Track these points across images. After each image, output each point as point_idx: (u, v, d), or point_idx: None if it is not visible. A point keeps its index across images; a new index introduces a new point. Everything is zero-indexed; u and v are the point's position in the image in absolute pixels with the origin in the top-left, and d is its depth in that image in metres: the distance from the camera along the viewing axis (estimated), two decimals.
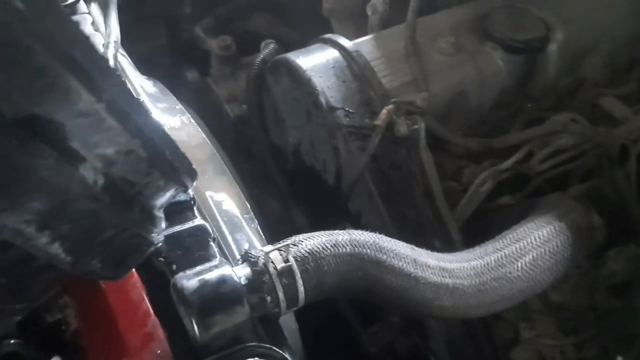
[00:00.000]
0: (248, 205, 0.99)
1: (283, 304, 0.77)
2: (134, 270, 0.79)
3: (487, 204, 1.19)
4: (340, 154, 1.13)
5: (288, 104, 1.25)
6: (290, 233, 0.84)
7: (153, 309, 0.75)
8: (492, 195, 1.19)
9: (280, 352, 0.72)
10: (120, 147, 0.51)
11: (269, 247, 0.80)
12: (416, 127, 1.09)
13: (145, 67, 1.20)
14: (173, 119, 1.10)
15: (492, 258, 0.85)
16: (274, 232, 1.02)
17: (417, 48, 1.19)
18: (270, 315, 0.78)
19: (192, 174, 0.59)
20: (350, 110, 1.12)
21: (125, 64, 1.15)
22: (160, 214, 0.60)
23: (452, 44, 1.22)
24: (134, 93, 0.53)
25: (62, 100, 0.47)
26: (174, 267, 0.77)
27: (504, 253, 0.85)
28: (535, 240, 0.86)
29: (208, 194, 0.96)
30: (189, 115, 1.12)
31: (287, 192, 1.33)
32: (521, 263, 0.84)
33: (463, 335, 1.07)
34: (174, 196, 0.59)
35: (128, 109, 0.51)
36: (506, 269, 0.84)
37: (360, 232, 0.85)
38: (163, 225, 0.61)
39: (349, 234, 0.84)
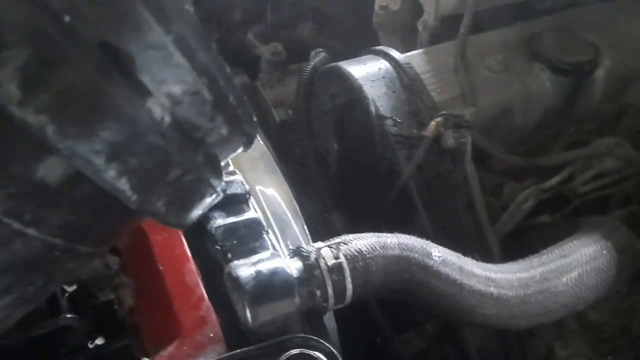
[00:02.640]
0: (296, 205, 1.02)
1: (331, 300, 0.80)
2: (190, 255, 0.82)
3: (525, 222, 1.20)
4: (386, 162, 1.15)
5: (337, 110, 1.28)
6: (328, 236, 0.86)
7: (207, 294, 0.78)
8: (530, 213, 1.20)
9: (328, 345, 0.74)
10: (186, 87, 0.50)
11: (321, 244, 0.82)
12: (463, 140, 1.11)
13: None
14: None
15: (538, 271, 0.86)
16: (311, 234, 1.05)
17: (466, 63, 1.22)
18: (318, 309, 0.81)
19: (254, 126, 0.58)
20: (399, 120, 1.15)
21: None
22: (222, 166, 0.60)
23: (501, 61, 1.24)
24: (201, 29, 0.52)
25: (133, 30, 0.47)
26: (229, 255, 0.80)
27: (550, 267, 0.87)
28: (582, 257, 0.87)
29: (259, 189, 1.00)
30: None
31: (328, 197, 1.35)
32: (567, 278, 0.85)
33: (497, 349, 1.08)
34: (235, 150, 0.59)
35: (196, 46, 0.50)
36: (551, 283, 0.85)
37: (408, 236, 0.87)
38: (224, 180, 0.62)
39: (398, 237, 0.86)
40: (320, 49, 1.44)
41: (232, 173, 0.92)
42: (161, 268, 0.79)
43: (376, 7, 1.52)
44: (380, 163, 1.17)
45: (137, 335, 0.79)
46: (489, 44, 1.30)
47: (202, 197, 0.56)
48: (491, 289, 0.84)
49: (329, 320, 0.97)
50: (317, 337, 0.75)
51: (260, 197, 0.99)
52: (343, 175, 1.33)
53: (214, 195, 0.61)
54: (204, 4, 1.71)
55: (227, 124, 0.54)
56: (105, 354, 0.81)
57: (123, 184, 0.49)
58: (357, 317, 1.20)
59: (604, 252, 0.89)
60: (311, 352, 0.72)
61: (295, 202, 1.03)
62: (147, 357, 0.74)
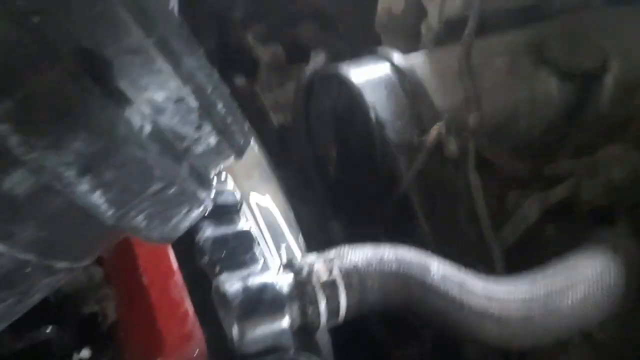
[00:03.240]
0: (292, 214, 0.98)
1: (323, 317, 0.76)
2: (176, 268, 0.79)
3: (530, 232, 1.16)
4: (386, 170, 1.11)
5: (336, 115, 1.24)
6: (326, 244, 0.82)
7: (193, 309, 0.75)
8: (535, 222, 1.16)
9: None
10: (170, 93, 0.47)
11: (314, 257, 0.79)
12: (466, 147, 1.07)
13: None
14: None
15: (542, 291, 0.82)
16: (308, 242, 1.01)
17: (471, 67, 1.18)
18: (309, 327, 0.77)
19: (246, 135, 0.54)
20: (400, 126, 1.11)
21: None
22: (211, 177, 0.56)
23: (507, 65, 1.20)
24: (187, 33, 0.48)
25: (111, 32, 0.44)
26: (218, 268, 0.76)
27: (555, 287, 0.82)
28: (588, 273, 0.83)
29: (253, 198, 0.96)
30: None
31: (327, 204, 1.32)
32: (572, 299, 0.81)
33: None
34: (225, 160, 0.55)
35: (180, 50, 0.46)
36: (556, 305, 0.81)
37: (406, 248, 0.83)
38: (213, 192, 0.59)
39: (395, 250, 0.82)
40: (321, 50, 1.40)
41: (224, 182, 0.88)
42: (145, 281, 0.76)
43: (379, 9, 1.48)
44: (380, 170, 1.13)
45: (120, 349, 0.76)
46: (494, 47, 1.26)
47: (188, 210, 0.52)
48: (492, 309, 0.80)
49: (322, 334, 0.93)
50: (308, 354, 0.71)
51: (254, 207, 0.96)
52: (342, 183, 1.30)
53: (201, 208, 0.57)
54: (204, 4, 1.67)
55: (216, 133, 0.50)
56: None
57: (97, 199, 0.46)
58: (354, 327, 1.16)
59: (612, 268, 0.85)
60: None
61: (291, 211, 1.00)
62: None
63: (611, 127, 1.29)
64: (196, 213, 0.56)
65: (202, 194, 0.54)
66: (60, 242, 0.52)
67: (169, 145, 0.49)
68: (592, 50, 1.25)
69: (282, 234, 0.93)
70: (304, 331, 0.78)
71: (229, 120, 0.51)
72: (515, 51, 1.25)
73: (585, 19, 1.35)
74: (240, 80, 1.54)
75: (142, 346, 0.73)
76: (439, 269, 0.81)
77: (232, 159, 0.59)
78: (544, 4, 1.35)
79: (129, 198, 0.47)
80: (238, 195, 0.86)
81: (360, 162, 1.19)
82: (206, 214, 0.82)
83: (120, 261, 0.80)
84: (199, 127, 0.49)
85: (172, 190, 0.49)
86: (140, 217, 0.48)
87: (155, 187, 0.47)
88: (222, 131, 0.51)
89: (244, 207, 0.90)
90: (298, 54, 1.58)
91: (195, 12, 1.69)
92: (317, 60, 1.35)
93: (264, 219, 0.93)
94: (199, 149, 0.50)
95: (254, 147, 1.05)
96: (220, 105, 0.50)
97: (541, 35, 1.28)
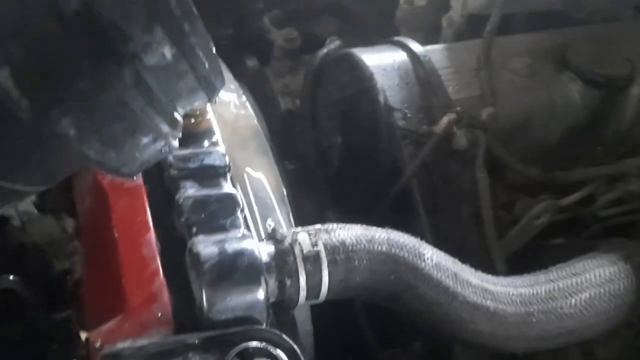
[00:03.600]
0: (284, 189, 0.93)
1: (303, 293, 0.70)
2: (151, 225, 0.73)
3: (538, 242, 1.09)
4: (390, 159, 1.05)
5: (344, 100, 1.19)
6: None
7: (164, 271, 0.69)
8: (544, 234, 1.09)
9: (290, 342, 0.64)
10: None
11: (299, 229, 0.73)
12: (476, 142, 1.01)
13: None
14: (224, 93, 1.05)
15: (543, 288, 0.75)
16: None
17: (490, 62, 1.12)
18: (286, 302, 0.71)
19: (218, 76, 0.48)
20: (409, 114, 1.05)
21: None
22: (176, 112, 0.50)
23: (528, 65, 1.14)
24: None
25: None
26: (194, 229, 0.71)
27: (558, 285, 0.76)
28: (595, 278, 0.76)
29: (245, 169, 0.91)
30: (241, 93, 1.07)
31: (326, 193, 1.26)
32: (575, 299, 0.74)
33: None
34: (190, 92, 0.48)
35: None
36: (557, 303, 0.74)
37: (400, 233, 0.77)
38: (178, 129, 0.52)
39: (388, 232, 0.76)
40: (336, 37, 1.35)
41: (215, 144, 0.83)
42: (116, 235, 0.70)
43: (401, 2, 1.43)
44: (384, 159, 1.07)
45: (80, 306, 0.70)
46: (516, 47, 1.20)
47: (133, 133, 0.46)
48: (487, 302, 0.73)
49: (305, 322, 0.87)
50: (279, 333, 0.65)
51: (246, 177, 0.90)
52: (344, 173, 1.24)
53: (161, 143, 0.51)
54: None
55: (170, 42, 0.43)
56: (41, 325, 0.72)
57: (5, 79, 0.38)
58: (340, 323, 1.10)
59: (622, 275, 0.78)
60: (269, 348, 0.62)
61: (283, 188, 0.94)
62: (87, 331, 0.65)
63: (632, 140, 1.23)
64: (155, 147, 0.50)
65: (161, 125, 0.49)
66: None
67: (104, 37, 0.41)
68: (619, 58, 1.19)
69: (271, 207, 0.88)
70: (281, 307, 0.72)
71: (186, 27, 0.44)
72: (537, 53, 1.19)
73: (614, 28, 1.30)
74: (252, 61, 1.50)
75: (104, 303, 0.67)
76: (433, 256, 0.75)
77: (204, 98, 0.54)
78: (572, 10, 1.29)
79: (47, 89, 0.40)
80: (227, 159, 0.80)
81: (364, 150, 1.14)
82: (190, 174, 0.78)
83: (94, 213, 0.75)
84: (148, 29, 0.41)
85: (106, 97, 0.42)
86: (67, 121, 0.41)
87: (82, 85, 0.40)
88: (179, 44, 0.44)
89: (233, 174, 0.85)
90: (314, 45, 1.54)
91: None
92: (331, 46, 1.30)
93: (252, 189, 0.88)
94: (150, 59, 0.43)
95: (253, 120, 1.00)
96: (178, 11, 0.43)
97: (566, 40, 1.22)
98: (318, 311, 0.89)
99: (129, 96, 0.44)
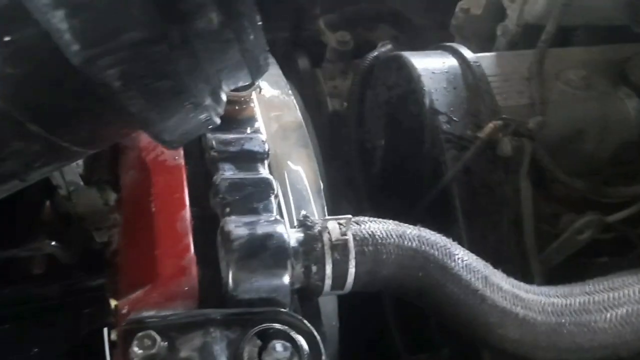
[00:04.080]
0: (321, 183, 0.93)
1: (328, 281, 0.70)
2: (187, 202, 0.75)
3: (582, 260, 1.05)
4: (432, 162, 1.04)
5: (391, 103, 1.19)
6: None
7: (196, 247, 0.71)
8: (589, 252, 1.05)
9: (311, 327, 0.64)
10: None
11: (330, 217, 0.73)
12: (522, 150, 0.99)
13: None
14: (275, 88, 1.07)
15: (578, 300, 0.73)
16: None
17: (542, 72, 1.10)
18: (311, 289, 0.71)
19: (265, 58, 0.49)
20: (454, 118, 1.04)
21: None
22: (221, 88, 0.51)
23: (582, 77, 1.11)
24: None
25: None
26: (228, 209, 0.72)
27: (593, 298, 0.73)
28: (635, 294, 0.72)
29: (284, 159, 0.92)
30: (288, 89, 1.09)
31: (365, 194, 1.26)
32: (611, 314, 0.71)
33: None
34: (239, 75, 0.50)
35: None
36: (591, 317, 0.71)
37: (433, 232, 0.77)
38: (221, 105, 0.53)
39: (419, 230, 0.75)
40: (387, 42, 1.36)
41: (256, 131, 0.85)
42: (153, 209, 0.73)
43: (457, 10, 1.42)
44: (426, 162, 1.06)
45: (115, 276, 0.73)
46: (572, 59, 1.17)
47: (177, 94, 0.47)
48: (517, 308, 0.71)
49: (331, 316, 0.87)
50: (301, 319, 0.65)
51: (284, 167, 0.91)
52: (386, 175, 1.23)
53: (203, 115, 0.52)
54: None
55: (219, 10, 0.44)
56: (76, 289, 0.74)
57: (60, 21, 0.40)
58: (370, 324, 1.09)
59: None
60: (289, 331, 0.63)
61: (320, 181, 0.94)
62: (118, 299, 0.67)
63: None
64: (198, 117, 0.51)
65: (205, 95, 0.50)
66: (49, 106, 0.47)
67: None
68: None
69: (307, 199, 0.88)
70: (306, 295, 0.72)
71: (241, 10, 0.45)
72: (593, 66, 1.16)
73: None
74: (303, 62, 1.52)
75: (136, 273, 0.69)
76: (464, 257, 0.73)
77: (247, 76, 0.54)
78: (633, 24, 1.25)
79: (100, 37, 0.41)
80: (266, 146, 0.82)
81: (408, 153, 1.13)
82: (229, 157, 0.80)
83: (135, 188, 0.78)
84: (201, 4, 0.43)
85: (153, 51, 0.43)
86: (112, 72, 0.42)
87: (132, 35, 0.41)
88: (227, 12, 0.45)
89: (272, 163, 0.87)
90: (367, 50, 1.54)
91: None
92: (382, 49, 1.30)
93: (289, 179, 0.89)
94: (198, 22, 0.44)
95: (297, 112, 1.01)
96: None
97: (625, 55, 1.18)
98: (348, 311, 0.89)
99: (175, 56, 0.44)
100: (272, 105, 1.01)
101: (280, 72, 1.13)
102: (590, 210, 1.08)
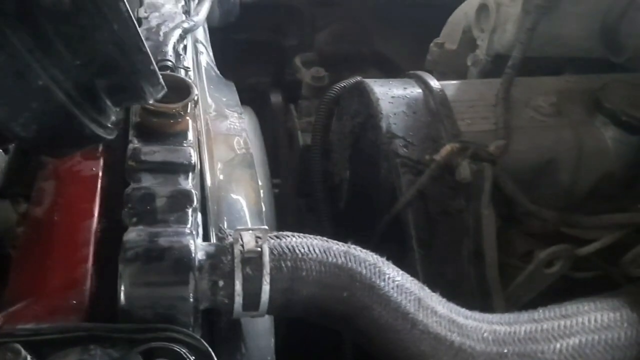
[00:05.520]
0: (262, 205, 0.87)
1: (238, 299, 0.62)
2: (95, 213, 0.69)
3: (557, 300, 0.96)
4: (389, 187, 0.98)
5: (354, 132, 1.14)
6: None
7: (100, 259, 0.64)
8: (563, 292, 0.96)
9: (207, 345, 0.56)
10: None
11: (247, 228, 0.66)
12: (482, 175, 0.92)
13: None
14: (227, 110, 1.03)
15: (524, 328, 0.64)
16: None
17: (508, 98, 1.04)
18: (220, 308, 0.63)
19: (153, 78, 0.46)
20: (413, 142, 0.98)
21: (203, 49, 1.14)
22: (92, 85, 0.48)
23: (552, 104, 1.05)
24: None
25: None
26: (135, 219, 0.66)
27: (542, 326, 0.64)
28: (590, 322, 0.63)
29: (222, 178, 0.86)
30: (241, 112, 1.04)
31: (329, 229, 1.18)
32: (561, 344, 0.62)
33: None
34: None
35: None
36: (538, 346, 0.62)
37: (364, 250, 0.69)
38: (106, 116, 0.49)
39: (348, 246, 0.68)
40: (359, 77, 1.32)
41: (189, 144, 0.79)
42: (55, 218, 0.67)
43: (432, 44, 1.39)
44: (384, 188, 1.00)
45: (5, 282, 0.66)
46: (543, 87, 1.11)
47: (19, 76, 0.43)
48: (453, 335, 0.62)
49: (263, 335, 0.77)
50: (197, 337, 0.57)
51: (221, 187, 0.85)
52: (351, 208, 1.17)
53: (54, 103, 0.47)
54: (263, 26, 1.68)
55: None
56: None
57: None
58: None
59: (625, 323, 0.64)
60: (180, 349, 0.55)
61: (263, 205, 0.88)
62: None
63: None
64: (58, 112, 0.47)
65: (57, 81, 0.46)
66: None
67: None
68: None
69: (243, 221, 0.82)
70: (218, 313, 0.65)
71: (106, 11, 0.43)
72: (565, 94, 1.10)
73: None
74: (276, 97, 1.49)
75: (25, 284, 0.62)
76: (396, 277, 0.65)
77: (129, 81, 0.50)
78: (612, 55, 1.19)
79: None
80: (193, 159, 0.76)
81: (369, 183, 1.07)
82: (150, 168, 0.74)
83: (42, 199, 0.73)
84: None
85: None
86: None
87: None
88: (92, 14, 0.43)
89: (208, 185, 0.81)
90: None
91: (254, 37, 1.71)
92: (350, 80, 1.27)
93: (227, 199, 0.83)
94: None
95: (245, 136, 0.96)
96: None
97: (600, 83, 1.12)
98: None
99: (10, 29, 0.41)
100: (221, 126, 0.96)
101: (236, 96, 1.10)
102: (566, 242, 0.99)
